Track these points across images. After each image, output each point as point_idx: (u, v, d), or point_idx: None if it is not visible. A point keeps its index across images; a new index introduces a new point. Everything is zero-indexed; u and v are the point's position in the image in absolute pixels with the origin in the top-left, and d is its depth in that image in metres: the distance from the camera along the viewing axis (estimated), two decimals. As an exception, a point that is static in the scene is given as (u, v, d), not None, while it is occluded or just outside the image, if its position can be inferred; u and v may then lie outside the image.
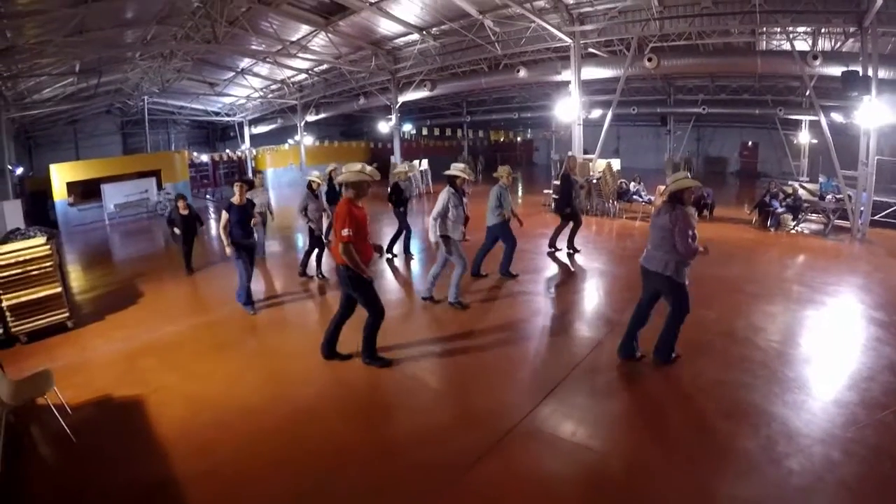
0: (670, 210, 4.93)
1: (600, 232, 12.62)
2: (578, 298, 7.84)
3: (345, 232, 4.78)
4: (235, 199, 7.19)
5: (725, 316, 6.70)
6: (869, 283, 8.44)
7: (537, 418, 4.42)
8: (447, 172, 7.22)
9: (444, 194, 6.95)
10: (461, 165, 7.20)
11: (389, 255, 10.21)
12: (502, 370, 5.36)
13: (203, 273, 9.92)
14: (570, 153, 11.86)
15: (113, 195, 18.30)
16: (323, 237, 8.90)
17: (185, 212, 9.73)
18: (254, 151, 26.78)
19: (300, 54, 17.23)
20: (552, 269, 9.24)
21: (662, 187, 14.88)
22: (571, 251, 10.16)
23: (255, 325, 6.98)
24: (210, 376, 5.39)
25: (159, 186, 19.47)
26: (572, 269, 9.27)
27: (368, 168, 5.06)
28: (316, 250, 8.91)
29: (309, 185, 8.89)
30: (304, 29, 15.86)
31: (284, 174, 27.99)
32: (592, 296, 8.04)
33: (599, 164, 15.71)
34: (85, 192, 18.60)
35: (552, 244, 10.32)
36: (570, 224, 10.21)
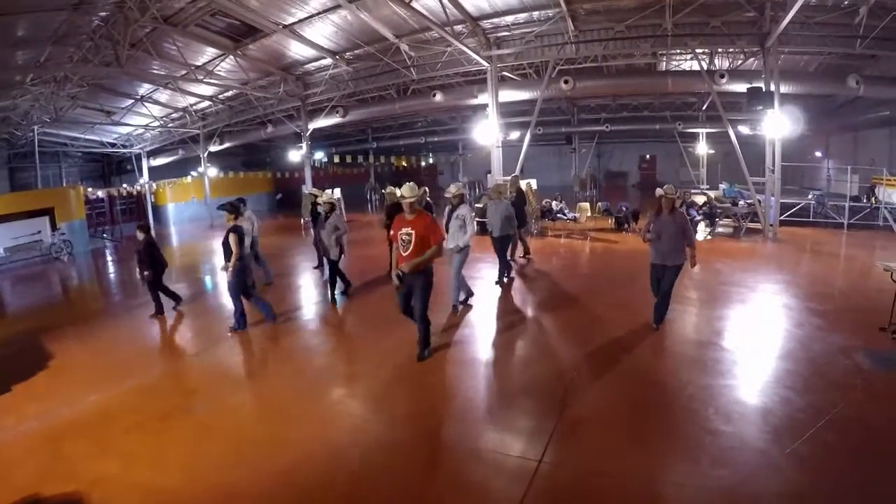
0: (672, 215, 6.33)
1: (536, 251, 12.68)
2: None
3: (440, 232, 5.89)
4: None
5: (685, 325, 6.99)
6: (795, 277, 9.36)
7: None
8: (453, 193, 8.02)
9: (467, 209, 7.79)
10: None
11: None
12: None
13: (118, 324, 8.75)
14: (514, 174, 12.12)
15: (2, 237, 15.94)
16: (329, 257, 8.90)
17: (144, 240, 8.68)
18: (153, 185, 24.89)
19: (206, 80, 16.22)
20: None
21: (585, 205, 15.52)
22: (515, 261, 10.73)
23: (201, 383, 6.06)
24: (160, 457, 4.40)
25: (53, 227, 17.35)
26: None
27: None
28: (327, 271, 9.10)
29: (333, 207, 9.10)
30: (211, 52, 14.98)
31: (186, 209, 26.26)
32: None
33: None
34: (-35, 235, 16.14)
35: (512, 257, 10.66)
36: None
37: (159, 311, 8.62)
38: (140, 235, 8.58)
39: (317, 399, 5.41)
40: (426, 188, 10.95)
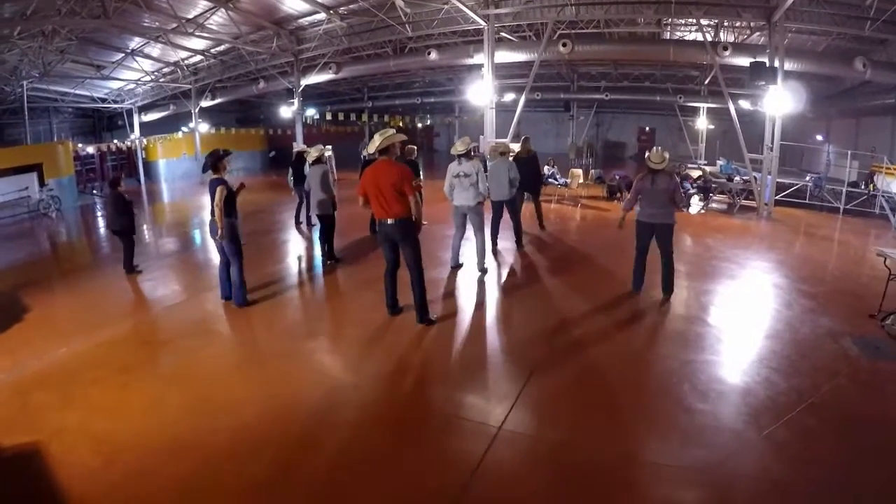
0: (667, 178, 6.39)
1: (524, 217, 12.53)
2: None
3: (416, 183, 5.57)
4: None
5: (671, 297, 6.77)
6: (787, 258, 9.21)
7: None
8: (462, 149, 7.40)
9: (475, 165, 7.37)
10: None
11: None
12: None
13: (98, 278, 8.63)
14: (523, 136, 11.68)
15: None
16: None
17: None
18: (144, 141, 24.44)
19: (197, 33, 15.71)
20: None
21: (577, 171, 15.31)
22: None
23: (168, 337, 6.07)
24: (120, 409, 4.40)
25: (41, 183, 17.06)
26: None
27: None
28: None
29: (319, 159, 8.82)
30: (203, 5, 14.47)
31: (178, 165, 25.76)
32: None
33: (514, 148, 15.64)
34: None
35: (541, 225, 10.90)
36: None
37: (128, 265, 8.48)
38: (107, 189, 8.53)
39: (286, 357, 5.36)
40: (413, 146, 10.71)
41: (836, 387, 4.61)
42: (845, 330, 5.83)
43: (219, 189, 6.19)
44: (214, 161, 6.37)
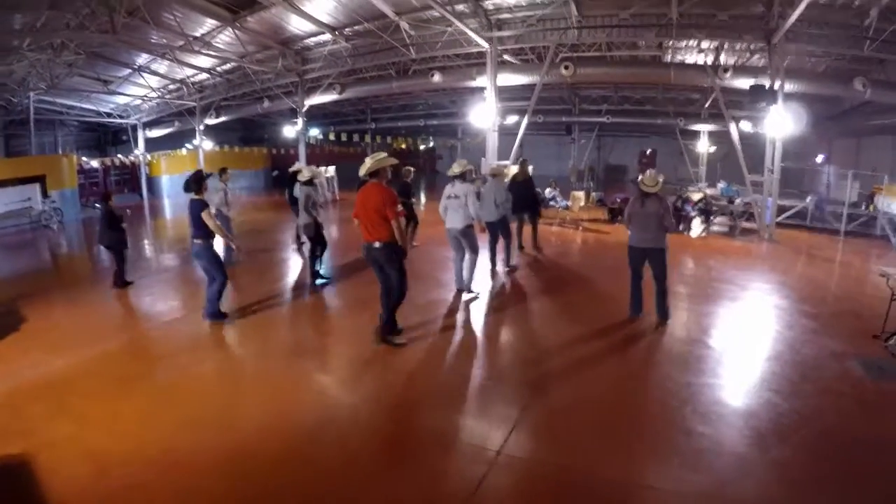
0: (657, 201, 6.25)
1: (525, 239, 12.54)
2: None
3: (399, 208, 5.56)
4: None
5: (671, 319, 6.69)
6: (789, 279, 9.16)
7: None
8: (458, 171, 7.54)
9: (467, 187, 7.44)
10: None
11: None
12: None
13: (96, 292, 8.61)
14: (521, 159, 11.74)
15: None
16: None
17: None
18: (148, 157, 24.59)
19: (203, 51, 15.92)
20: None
21: (579, 194, 15.36)
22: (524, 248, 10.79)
23: (165, 352, 6.02)
24: (115, 421, 4.37)
25: (44, 194, 17.13)
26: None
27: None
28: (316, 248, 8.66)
29: (309, 181, 8.69)
30: (210, 24, 14.64)
31: (181, 181, 25.87)
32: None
33: (513, 170, 15.73)
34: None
35: (520, 246, 10.73)
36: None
37: (118, 281, 8.47)
38: (99, 205, 8.60)
39: (280, 375, 5.33)
40: (410, 168, 10.78)
41: (840, 408, 4.56)
42: (848, 351, 5.78)
43: (206, 212, 6.40)
44: (198, 182, 6.48)
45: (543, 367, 5.47)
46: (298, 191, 8.82)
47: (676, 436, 4.15)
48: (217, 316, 6.74)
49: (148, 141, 26.25)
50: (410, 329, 6.15)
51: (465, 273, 7.68)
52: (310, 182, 8.76)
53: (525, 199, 10.33)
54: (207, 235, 6.49)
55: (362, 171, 5.61)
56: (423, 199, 22.10)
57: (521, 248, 10.74)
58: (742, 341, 6.23)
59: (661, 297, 6.49)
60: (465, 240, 7.52)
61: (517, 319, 7.09)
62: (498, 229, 8.99)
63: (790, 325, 6.75)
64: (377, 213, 5.45)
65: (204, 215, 6.39)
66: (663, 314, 6.52)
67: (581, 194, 15.58)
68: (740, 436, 4.14)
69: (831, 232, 13.97)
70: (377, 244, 5.55)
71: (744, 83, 13.09)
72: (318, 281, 8.59)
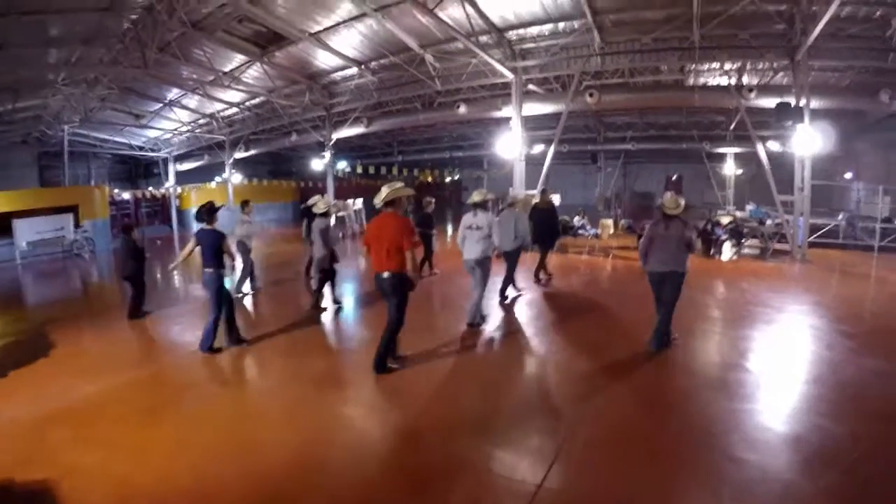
0: (681, 224, 6.10)
1: (555, 267, 12.42)
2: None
3: (415, 238, 5.51)
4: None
5: (707, 344, 6.56)
6: (824, 298, 8.97)
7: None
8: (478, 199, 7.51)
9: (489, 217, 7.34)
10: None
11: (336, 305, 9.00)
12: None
13: (125, 319, 8.65)
14: (543, 187, 11.70)
15: (25, 232, 16.44)
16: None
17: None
18: (178, 189, 25.24)
19: (232, 86, 16.42)
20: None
21: (608, 221, 15.26)
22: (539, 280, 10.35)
23: (196, 380, 6.00)
24: (142, 451, 4.29)
25: (77, 224, 17.67)
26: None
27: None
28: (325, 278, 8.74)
29: (325, 213, 8.81)
30: (238, 59, 15.14)
31: (211, 214, 26.48)
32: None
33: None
34: (-7, 227, 16.58)
35: (537, 276, 10.39)
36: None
37: (134, 311, 8.59)
38: (121, 235, 8.85)
39: (304, 404, 5.24)
40: (431, 199, 10.83)
41: (889, 431, 4.33)
42: (892, 370, 5.57)
43: (225, 241, 6.65)
44: (210, 213, 6.66)
45: (575, 394, 5.32)
46: (314, 223, 8.85)
47: (723, 463, 3.95)
48: (209, 349, 6.69)
49: (178, 174, 27.01)
50: (433, 356, 6.09)
51: (471, 307, 7.48)
52: (325, 214, 8.84)
53: (546, 228, 10.20)
54: (219, 265, 6.65)
55: (377, 200, 5.60)
56: (449, 230, 22.13)
57: (549, 276, 10.52)
58: (781, 364, 6.00)
59: (664, 325, 6.27)
60: (480, 271, 7.37)
61: (544, 347, 6.92)
62: (515, 259, 8.73)
63: (829, 345, 6.52)
64: (392, 243, 5.40)
65: (224, 246, 6.65)
66: (659, 342, 6.26)
67: (610, 222, 15.50)
68: (788, 462, 3.94)
69: (864, 248, 13.66)
70: (385, 274, 5.51)
71: (769, 102, 13.00)
72: (336, 307, 8.77)
